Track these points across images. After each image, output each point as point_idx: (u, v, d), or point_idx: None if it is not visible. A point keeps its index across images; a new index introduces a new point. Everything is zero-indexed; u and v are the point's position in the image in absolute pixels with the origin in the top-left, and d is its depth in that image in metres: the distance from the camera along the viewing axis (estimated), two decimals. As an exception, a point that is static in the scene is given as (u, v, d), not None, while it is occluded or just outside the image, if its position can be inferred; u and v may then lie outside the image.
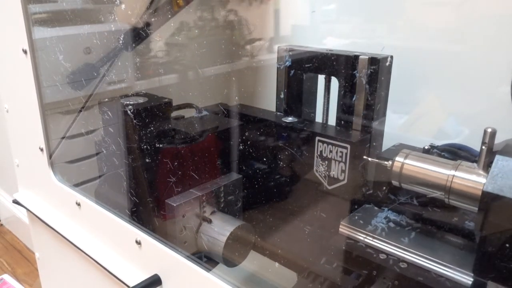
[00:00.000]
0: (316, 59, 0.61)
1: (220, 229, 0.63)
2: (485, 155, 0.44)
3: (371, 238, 0.52)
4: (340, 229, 0.55)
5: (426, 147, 0.55)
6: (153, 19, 0.66)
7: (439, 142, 0.63)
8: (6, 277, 1.14)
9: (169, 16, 0.67)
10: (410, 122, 0.66)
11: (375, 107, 0.57)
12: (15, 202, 0.90)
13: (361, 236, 0.53)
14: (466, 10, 0.57)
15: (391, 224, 0.54)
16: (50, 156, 0.77)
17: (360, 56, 0.56)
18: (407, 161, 0.51)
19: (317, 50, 0.61)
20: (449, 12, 0.59)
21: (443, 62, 0.61)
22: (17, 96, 0.80)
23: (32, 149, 0.79)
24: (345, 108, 0.60)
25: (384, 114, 0.60)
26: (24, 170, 0.88)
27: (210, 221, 0.64)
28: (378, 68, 0.55)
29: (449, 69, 0.60)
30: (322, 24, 0.71)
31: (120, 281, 0.63)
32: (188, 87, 0.78)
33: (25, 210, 0.88)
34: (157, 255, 0.59)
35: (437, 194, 0.48)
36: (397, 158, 0.51)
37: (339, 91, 0.60)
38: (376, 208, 0.58)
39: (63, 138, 0.77)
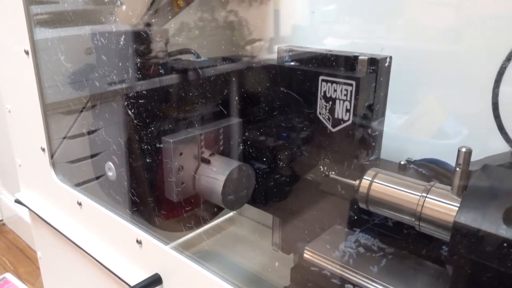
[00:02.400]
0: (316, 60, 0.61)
1: (219, 169, 0.60)
2: (460, 178, 0.40)
3: (336, 266, 0.47)
4: (304, 255, 0.50)
5: (402, 162, 0.51)
6: (153, 20, 0.66)
7: (438, 142, 0.63)
8: (8, 276, 1.15)
9: (169, 17, 0.67)
10: (410, 122, 0.66)
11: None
12: (17, 201, 0.90)
13: (326, 263, 0.48)
14: (466, 10, 0.57)
15: (361, 250, 0.49)
16: (51, 156, 0.77)
17: (360, 57, 0.56)
18: (375, 181, 0.46)
19: (316, 51, 0.61)
20: (449, 12, 0.59)
21: (443, 62, 0.61)
22: (19, 96, 0.81)
23: (33, 149, 0.80)
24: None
25: (383, 114, 0.60)
26: (26, 170, 0.89)
27: (208, 162, 0.62)
28: (378, 68, 0.55)
29: (449, 69, 0.60)
30: (322, 25, 0.71)
31: (121, 280, 0.64)
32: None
33: (27, 209, 0.89)
34: (157, 255, 0.59)
35: (407, 219, 0.44)
36: (365, 178, 0.47)
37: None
38: (347, 230, 0.53)
39: (64, 138, 0.78)
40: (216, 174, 0.60)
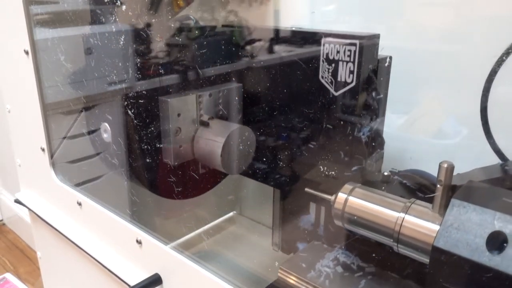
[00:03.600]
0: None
1: (219, 131, 0.59)
2: (441, 195, 0.37)
3: None
4: (279, 274, 0.47)
5: (386, 173, 0.48)
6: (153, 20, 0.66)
7: (438, 142, 0.63)
8: (8, 276, 1.15)
9: (169, 17, 0.67)
10: (410, 122, 0.66)
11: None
12: (17, 201, 0.90)
13: (300, 285, 0.45)
14: (466, 10, 0.57)
15: (339, 269, 0.46)
16: (51, 156, 0.77)
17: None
18: (351, 197, 0.43)
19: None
20: (449, 12, 0.59)
21: (443, 62, 0.61)
22: (19, 96, 0.81)
23: (33, 149, 0.80)
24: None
25: (383, 114, 0.60)
26: (26, 170, 0.89)
27: (207, 125, 0.60)
28: (377, 68, 0.55)
29: (448, 69, 0.61)
30: (322, 25, 0.71)
31: (121, 280, 0.64)
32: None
33: (27, 209, 0.89)
34: (157, 255, 0.59)
35: (385, 240, 0.41)
36: (340, 194, 0.44)
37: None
38: (325, 246, 0.50)
39: (64, 138, 0.78)
40: (215, 136, 0.58)
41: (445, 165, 0.36)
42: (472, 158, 0.56)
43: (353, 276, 0.45)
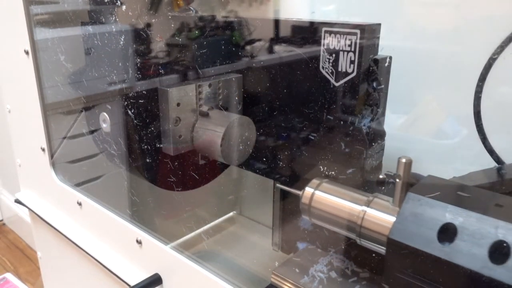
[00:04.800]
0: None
1: (218, 121, 0.58)
2: (401, 189, 0.38)
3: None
4: (271, 279, 0.48)
5: (381, 177, 0.47)
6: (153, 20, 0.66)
7: (437, 142, 0.63)
8: (9, 275, 1.15)
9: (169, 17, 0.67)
10: (410, 122, 0.66)
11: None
12: (17, 201, 0.90)
13: None
14: (466, 10, 0.57)
15: (333, 274, 0.46)
16: (51, 156, 0.77)
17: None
18: (317, 192, 0.44)
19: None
20: (449, 12, 0.59)
21: (442, 62, 0.61)
22: (19, 96, 0.81)
23: (33, 149, 0.80)
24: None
25: (383, 114, 0.60)
26: (26, 170, 0.89)
27: (207, 115, 0.60)
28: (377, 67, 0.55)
29: (448, 69, 0.61)
30: (322, 25, 0.71)
31: (121, 280, 0.64)
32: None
33: (27, 209, 0.89)
34: (157, 255, 0.59)
35: (349, 233, 0.41)
36: (307, 188, 0.45)
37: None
38: (320, 250, 0.50)
39: (64, 138, 0.78)
40: (215, 126, 0.58)
41: (404, 160, 0.37)
42: (472, 158, 0.56)
43: (347, 282, 0.45)
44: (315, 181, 0.46)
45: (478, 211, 0.31)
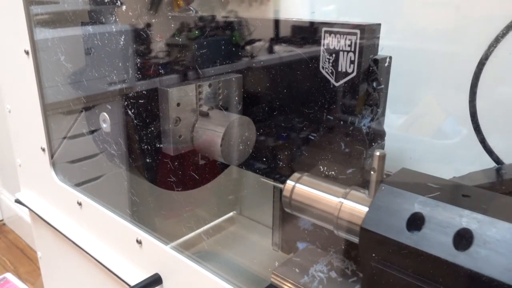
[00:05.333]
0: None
1: (218, 121, 0.59)
2: (375, 181, 0.39)
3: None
4: (271, 279, 0.48)
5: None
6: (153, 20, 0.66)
7: (438, 142, 0.63)
8: (9, 275, 1.15)
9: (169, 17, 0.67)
10: (410, 122, 0.66)
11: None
12: (17, 201, 0.90)
13: None
14: (466, 10, 0.57)
15: (333, 274, 0.46)
16: (51, 156, 0.77)
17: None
18: (298, 185, 0.46)
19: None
20: (449, 12, 0.59)
21: (441, 62, 0.61)
22: (19, 96, 0.81)
23: (33, 149, 0.80)
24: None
25: (383, 114, 0.60)
26: (26, 170, 0.89)
27: (207, 115, 0.61)
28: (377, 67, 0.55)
29: (447, 69, 0.61)
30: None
31: (121, 280, 0.64)
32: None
33: (27, 209, 0.89)
34: (157, 255, 0.59)
35: (327, 224, 0.43)
36: (288, 181, 0.46)
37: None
38: (320, 250, 0.50)
39: (64, 138, 0.78)
40: (215, 126, 0.59)
41: (378, 154, 0.39)
42: (472, 158, 0.56)
43: (347, 282, 0.45)
44: (296, 175, 0.47)
45: (446, 201, 0.33)
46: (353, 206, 0.41)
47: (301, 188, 0.46)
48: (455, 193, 0.35)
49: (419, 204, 0.33)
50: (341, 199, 0.42)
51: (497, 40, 0.49)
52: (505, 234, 0.29)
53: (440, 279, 0.31)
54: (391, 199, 0.35)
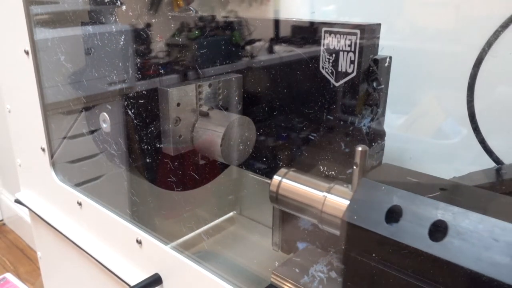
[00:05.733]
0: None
1: (218, 121, 0.59)
2: (358, 176, 0.40)
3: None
4: (271, 279, 0.48)
5: None
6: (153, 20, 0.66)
7: (437, 142, 0.63)
8: (9, 275, 1.15)
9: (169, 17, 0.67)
10: (410, 122, 0.66)
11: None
12: (17, 201, 0.90)
13: None
14: (466, 10, 0.57)
15: (333, 274, 0.46)
16: (51, 156, 0.77)
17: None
18: (284, 180, 0.47)
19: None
20: (449, 12, 0.59)
21: (441, 62, 0.61)
22: (19, 96, 0.81)
23: (33, 149, 0.80)
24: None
25: (383, 114, 0.60)
26: (26, 170, 0.89)
27: (207, 115, 0.61)
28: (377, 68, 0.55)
29: (447, 69, 0.61)
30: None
31: (121, 280, 0.64)
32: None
33: (27, 209, 0.89)
34: (157, 255, 0.59)
35: (312, 218, 0.44)
36: (275, 176, 0.48)
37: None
38: (320, 250, 0.50)
39: (64, 138, 0.78)
40: (215, 126, 0.59)
41: (360, 149, 0.40)
42: (472, 158, 0.56)
43: None
44: (282, 170, 0.49)
45: (423, 194, 0.34)
46: (336, 200, 0.42)
47: (287, 183, 0.48)
48: (433, 186, 0.36)
49: (397, 197, 0.35)
50: (325, 194, 0.43)
51: (489, 43, 0.49)
52: (477, 225, 0.30)
53: (417, 268, 0.32)
54: (371, 193, 0.36)
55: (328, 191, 0.43)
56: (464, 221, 0.31)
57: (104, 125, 0.66)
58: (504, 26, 0.48)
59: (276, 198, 0.49)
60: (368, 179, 0.37)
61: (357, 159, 0.40)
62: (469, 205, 0.32)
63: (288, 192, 0.47)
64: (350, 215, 0.36)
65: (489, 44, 0.49)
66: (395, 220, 0.33)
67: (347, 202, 0.40)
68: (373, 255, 0.35)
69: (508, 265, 0.28)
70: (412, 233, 0.32)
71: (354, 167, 0.40)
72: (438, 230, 0.31)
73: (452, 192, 0.35)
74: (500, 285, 0.27)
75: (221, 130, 0.58)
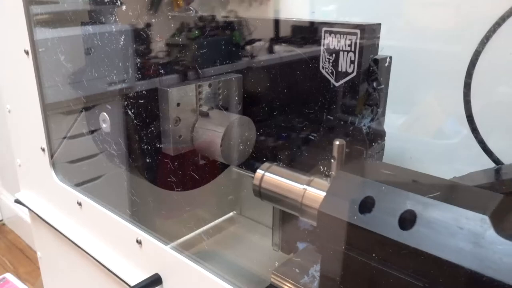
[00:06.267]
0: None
1: (218, 121, 0.60)
2: (336, 170, 0.41)
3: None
4: (271, 279, 0.49)
5: None
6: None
7: (438, 142, 0.63)
8: (8, 276, 1.15)
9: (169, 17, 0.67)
10: (410, 122, 0.66)
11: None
12: (17, 201, 0.90)
13: None
14: (465, 10, 0.57)
15: None
16: (51, 156, 0.77)
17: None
18: (267, 173, 0.49)
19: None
20: (449, 12, 0.59)
21: (441, 62, 0.61)
22: (19, 96, 0.81)
23: (33, 149, 0.80)
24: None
25: (383, 114, 0.60)
26: (26, 170, 0.89)
27: (207, 115, 0.61)
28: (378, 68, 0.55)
29: (447, 69, 0.61)
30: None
31: (121, 280, 0.64)
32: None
33: (27, 209, 0.89)
34: (157, 255, 0.59)
35: (293, 211, 0.45)
36: (258, 170, 0.50)
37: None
38: None
39: (64, 138, 0.78)
40: (215, 126, 0.59)
41: (337, 143, 0.41)
42: (472, 158, 0.56)
43: None
44: (266, 164, 0.50)
45: (395, 186, 0.36)
46: (315, 192, 0.44)
47: (270, 176, 0.49)
48: (406, 178, 0.38)
49: (370, 188, 0.36)
50: (305, 186, 0.45)
51: (483, 43, 0.49)
52: (444, 215, 0.32)
53: (388, 256, 0.33)
54: (347, 185, 0.38)
55: (308, 184, 0.45)
56: (432, 211, 0.32)
57: (104, 125, 0.67)
58: (498, 23, 0.48)
59: (259, 191, 0.50)
60: (343, 172, 0.39)
61: (335, 152, 0.41)
62: (438, 196, 0.33)
63: (270, 185, 0.49)
64: (326, 206, 0.38)
65: (482, 44, 0.49)
66: (368, 210, 0.35)
67: (323, 193, 0.41)
68: (347, 244, 0.36)
69: (471, 251, 0.29)
70: (383, 222, 0.34)
71: (332, 160, 0.41)
72: (408, 220, 0.33)
73: (423, 184, 0.36)
74: (464, 271, 0.29)
75: (221, 130, 0.58)
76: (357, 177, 0.38)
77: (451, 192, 0.35)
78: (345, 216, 0.36)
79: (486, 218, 0.30)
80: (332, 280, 0.38)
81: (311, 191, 0.45)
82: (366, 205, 0.35)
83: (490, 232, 0.29)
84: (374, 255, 0.34)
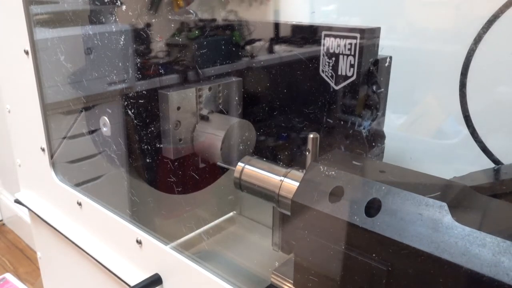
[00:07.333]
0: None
1: (218, 125, 0.61)
2: (310, 161, 0.43)
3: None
4: (271, 279, 0.49)
5: None
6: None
7: (437, 142, 0.63)
8: (8, 276, 1.15)
9: (169, 17, 0.67)
10: (410, 122, 0.66)
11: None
12: (17, 201, 0.90)
13: None
14: (465, 10, 0.57)
15: None
16: (51, 156, 0.77)
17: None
18: (247, 166, 0.51)
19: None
20: (449, 12, 0.59)
21: (441, 62, 0.61)
22: (19, 96, 0.81)
23: (33, 149, 0.80)
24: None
25: (383, 114, 0.60)
26: (26, 170, 0.89)
27: (207, 119, 0.62)
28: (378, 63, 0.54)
29: (448, 69, 0.61)
30: (322, 25, 0.71)
31: (121, 280, 0.64)
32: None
33: (27, 209, 0.89)
34: (157, 255, 0.59)
35: (271, 202, 0.47)
36: (239, 163, 0.52)
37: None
38: None
39: (64, 138, 0.78)
40: (215, 130, 0.60)
41: (312, 136, 0.43)
42: (472, 158, 0.56)
43: None
44: (246, 157, 0.52)
45: (363, 176, 0.38)
46: (291, 183, 0.46)
47: (249, 169, 0.51)
48: (373, 169, 0.40)
49: (340, 179, 0.38)
50: (282, 178, 0.47)
51: (476, 42, 0.49)
52: (406, 202, 0.34)
53: (355, 242, 0.36)
54: (319, 175, 0.40)
55: (285, 176, 0.47)
56: (396, 199, 0.34)
57: (105, 129, 0.67)
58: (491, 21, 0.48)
59: (240, 183, 0.52)
60: (316, 163, 0.41)
61: (309, 145, 0.43)
62: (402, 185, 0.35)
63: (250, 178, 0.51)
64: (299, 195, 0.39)
65: (475, 43, 0.49)
66: (338, 199, 0.37)
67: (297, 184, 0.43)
68: (319, 231, 0.38)
69: (429, 235, 0.31)
70: (350, 210, 0.36)
71: (307, 153, 0.43)
72: (373, 207, 0.35)
73: (389, 174, 0.38)
74: (422, 254, 0.31)
75: (221, 133, 0.58)
76: (328, 168, 0.40)
77: (415, 182, 0.37)
78: (316, 205, 0.38)
79: (444, 205, 0.32)
80: (305, 268, 0.40)
81: (288, 182, 0.47)
82: (336, 194, 0.37)
83: (448, 218, 0.31)
84: (343, 242, 0.36)
